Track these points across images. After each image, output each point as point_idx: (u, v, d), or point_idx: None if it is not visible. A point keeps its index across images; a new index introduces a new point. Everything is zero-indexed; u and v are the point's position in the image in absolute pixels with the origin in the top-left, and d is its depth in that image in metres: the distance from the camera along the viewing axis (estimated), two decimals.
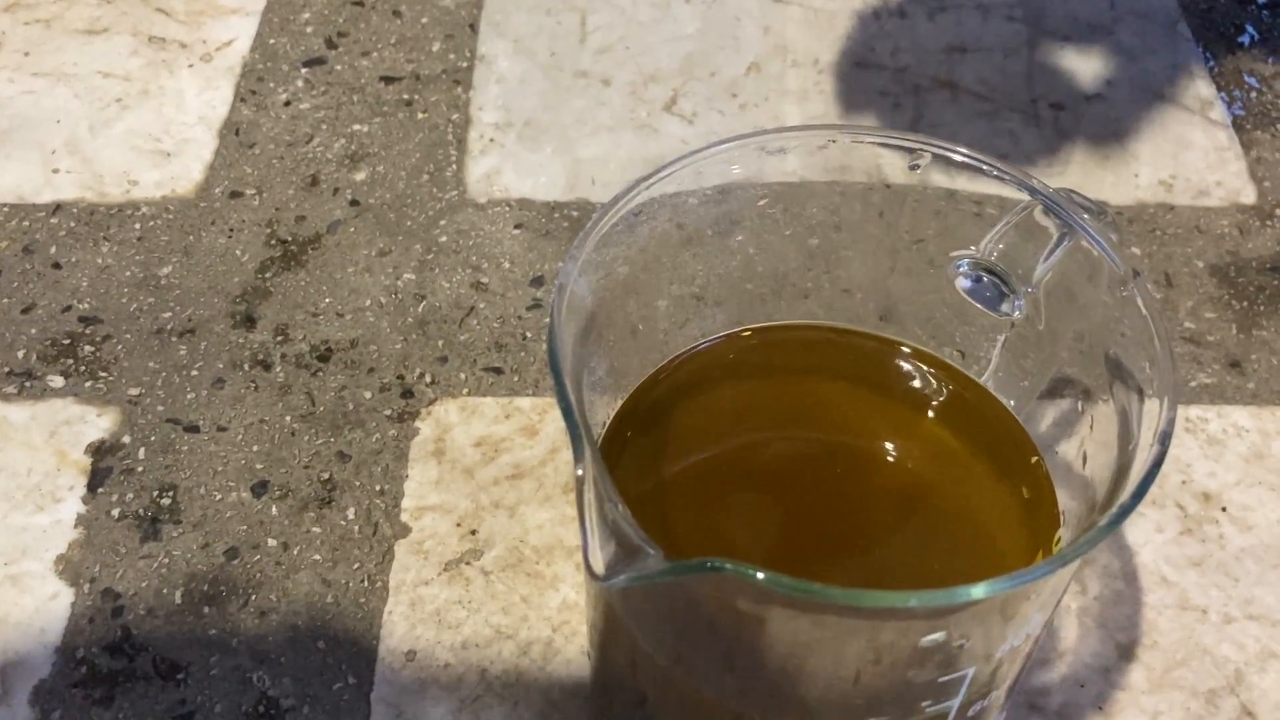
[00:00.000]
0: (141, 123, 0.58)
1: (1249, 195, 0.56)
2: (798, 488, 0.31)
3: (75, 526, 0.44)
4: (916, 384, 0.34)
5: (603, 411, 0.33)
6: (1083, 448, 0.31)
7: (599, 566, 0.25)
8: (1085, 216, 0.30)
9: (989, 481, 0.32)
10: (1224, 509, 0.45)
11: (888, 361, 0.34)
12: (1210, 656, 0.41)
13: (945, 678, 0.26)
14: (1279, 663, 0.41)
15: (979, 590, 0.22)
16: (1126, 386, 0.29)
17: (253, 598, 0.42)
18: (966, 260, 0.33)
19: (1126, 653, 0.41)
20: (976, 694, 0.28)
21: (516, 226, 0.54)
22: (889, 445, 0.32)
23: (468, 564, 0.43)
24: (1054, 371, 0.33)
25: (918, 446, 0.32)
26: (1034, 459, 0.32)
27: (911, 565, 0.29)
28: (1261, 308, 0.51)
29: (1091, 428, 0.31)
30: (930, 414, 0.33)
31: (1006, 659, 0.28)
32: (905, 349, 0.34)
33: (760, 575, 0.23)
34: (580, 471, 0.25)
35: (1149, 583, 0.43)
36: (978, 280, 0.33)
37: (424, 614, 0.42)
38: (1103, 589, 0.43)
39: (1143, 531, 0.44)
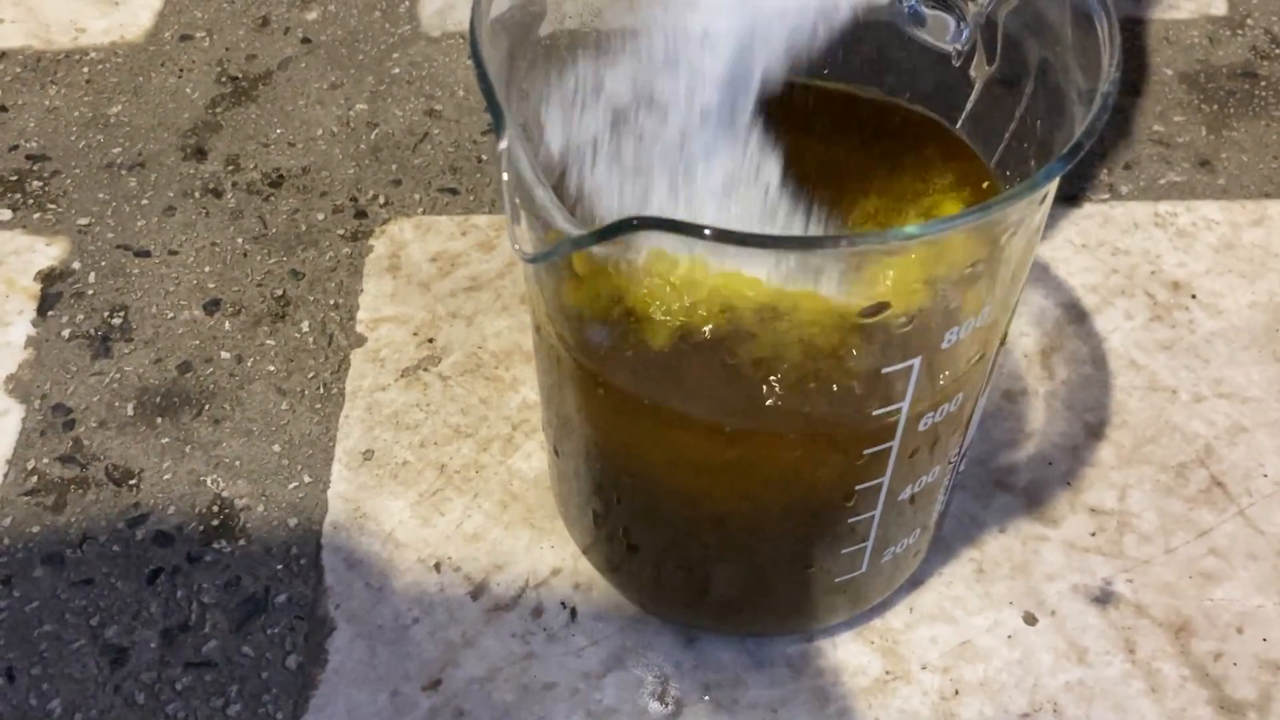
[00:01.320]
0: None
1: (1219, 7, 0.54)
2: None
3: (25, 348, 0.43)
4: (878, 116, 0.33)
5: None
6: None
7: (526, 245, 0.24)
8: None
9: (935, 186, 0.31)
10: (1194, 296, 0.44)
11: (854, 104, 0.33)
12: (1180, 433, 0.40)
13: (889, 368, 0.26)
14: (1249, 436, 0.40)
15: (914, 228, 0.22)
16: (1070, 82, 0.28)
17: (206, 408, 0.41)
18: None
19: (1095, 431, 0.40)
20: (925, 400, 0.27)
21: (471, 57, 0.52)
22: (839, 152, 0.31)
23: (425, 370, 0.42)
24: (1014, 112, 0.32)
25: (871, 160, 0.31)
26: (985, 184, 0.31)
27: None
28: (1232, 110, 0.50)
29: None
30: (892, 138, 0.32)
31: (953, 357, 0.27)
32: (859, 93, 0.33)
33: (687, 224, 0.22)
34: (502, 145, 0.24)
35: (1118, 366, 0.42)
36: (921, 13, 0.32)
37: (381, 417, 0.41)
38: (1070, 374, 0.42)
39: (1112, 319, 0.43)
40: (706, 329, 0.26)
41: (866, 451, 0.28)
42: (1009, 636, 0.36)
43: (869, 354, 0.26)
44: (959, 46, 0.32)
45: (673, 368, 0.27)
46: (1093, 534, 0.38)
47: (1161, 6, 0.54)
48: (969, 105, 0.33)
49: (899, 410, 0.27)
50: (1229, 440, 0.40)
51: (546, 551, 0.38)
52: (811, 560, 0.32)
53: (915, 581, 0.37)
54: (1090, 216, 0.46)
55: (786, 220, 0.27)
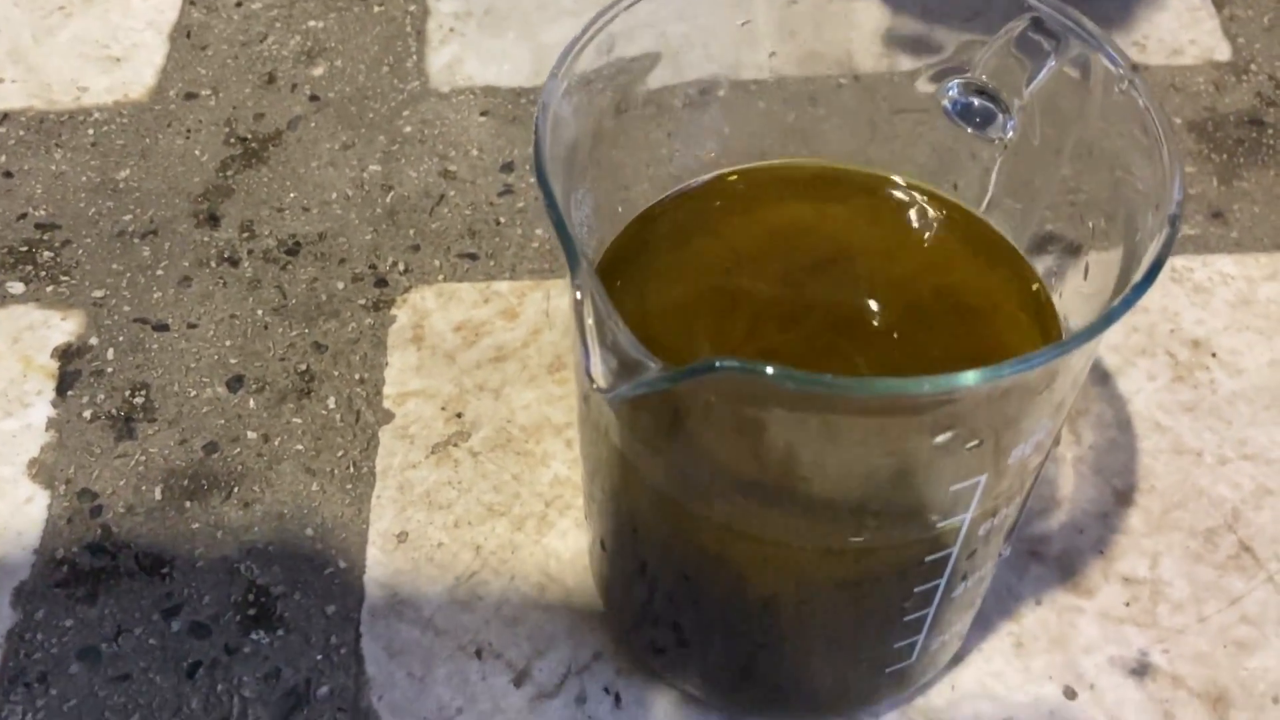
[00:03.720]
0: (87, 29, 0.56)
1: (1223, 52, 0.55)
2: (795, 309, 0.30)
3: (46, 430, 0.43)
4: (913, 214, 0.33)
5: (590, 252, 0.32)
6: (1085, 265, 0.30)
7: (601, 380, 0.24)
8: (1077, 25, 0.29)
9: (990, 304, 0.31)
10: (1214, 354, 0.45)
11: (881, 193, 0.33)
12: (1207, 497, 0.41)
13: (957, 486, 0.26)
14: (1274, 499, 0.41)
15: (991, 372, 0.22)
16: (1129, 192, 0.28)
17: (235, 490, 0.41)
18: (956, 83, 0.32)
19: (1124, 498, 0.41)
20: (987, 508, 0.28)
21: (483, 114, 0.52)
22: (886, 268, 0.32)
23: (455, 446, 0.42)
24: (1050, 196, 0.33)
25: (917, 268, 0.32)
26: (1035, 285, 0.32)
27: (918, 369, 0.28)
28: (1241, 159, 0.51)
29: (1092, 245, 0.30)
30: (927, 240, 0.32)
31: (1016, 469, 0.27)
32: (899, 181, 0.33)
33: (769, 370, 0.22)
34: (577, 285, 0.24)
35: (1143, 429, 0.43)
36: (968, 104, 0.32)
37: (413, 496, 0.41)
38: (1097, 438, 0.42)
39: (1135, 380, 0.44)
40: (774, 448, 0.26)
41: (927, 559, 0.28)
42: (1050, 713, 0.36)
43: (936, 474, 0.26)
44: (1004, 138, 0.32)
45: (738, 484, 0.27)
46: (1126, 604, 0.39)
47: (1165, 52, 0.55)
48: (991, 189, 0.34)
49: (962, 520, 0.27)
50: (1255, 504, 0.41)
51: (587, 635, 0.38)
52: (863, 656, 0.32)
53: (956, 659, 0.37)
54: None
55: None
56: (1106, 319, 0.23)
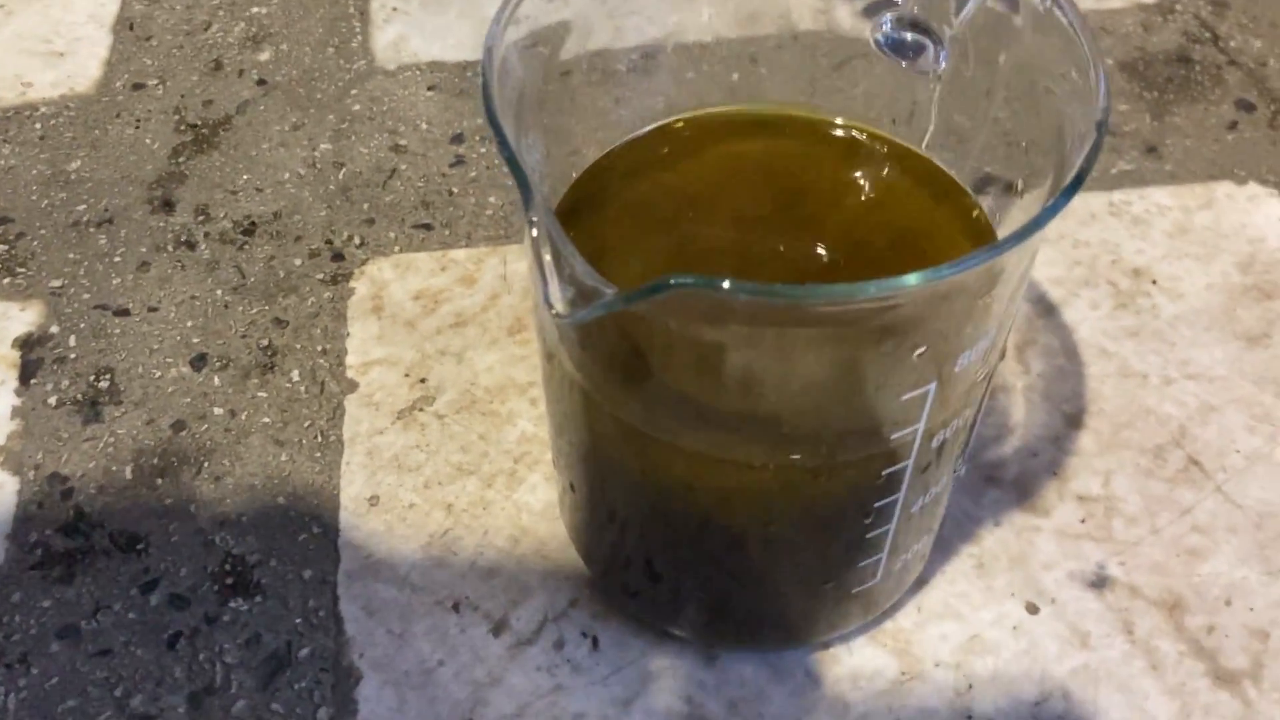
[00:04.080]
0: (28, 26, 0.56)
1: None
2: (745, 244, 0.31)
3: (12, 418, 0.43)
4: (857, 152, 0.34)
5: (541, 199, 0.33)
6: (1023, 200, 0.31)
7: (561, 306, 0.25)
8: None
9: (932, 231, 0.32)
10: (1154, 281, 0.46)
11: (824, 133, 0.34)
12: (1154, 416, 0.42)
13: (907, 395, 0.27)
14: (1219, 415, 0.42)
15: (931, 274, 0.23)
16: (1059, 107, 0.29)
17: (205, 465, 0.41)
18: (888, 18, 0.33)
19: (1074, 421, 0.42)
20: (938, 420, 0.29)
21: (430, 89, 0.53)
22: (833, 203, 0.32)
23: (420, 410, 0.43)
24: (986, 129, 0.34)
25: (862, 203, 0.33)
26: (975, 213, 0.33)
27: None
28: (1171, 96, 0.52)
29: (1029, 183, 0.31)
30: (871, 176, 0.33)
31: (963, 378, 0.28)
32: (841, 123, 0.34)
33: (724, 284, 0.23)
34: (532, 218, 0.25)
35: (1089, 356, 0.44)
36: (900, 39, 0.33)
37: (382, 461, 0.41)
38: (1045, 366, 0.44)
39: (1079, 310, 0.45)
40: (733, 369, 0.27)
41: (884, 472, 0.29)
42: (1014, 627, 0.38)
43: (887, 384, 0.27)
44: (937, 70, 0.33)
45: (700, 408, 0.28)
46: (1082, 520, 0.40)
47: None
48: (931, 125, 0.35)
49: (914, 431, 0.28)
50: (1200, 420, 0.42)
51: (562, 583, 0.38)
52: (830, 576, 0.33)
53: (920, 582, 0.38)
54: None
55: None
56: (1037, 222, 0.24)
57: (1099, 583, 0.39)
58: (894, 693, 0.36)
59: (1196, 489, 0.41)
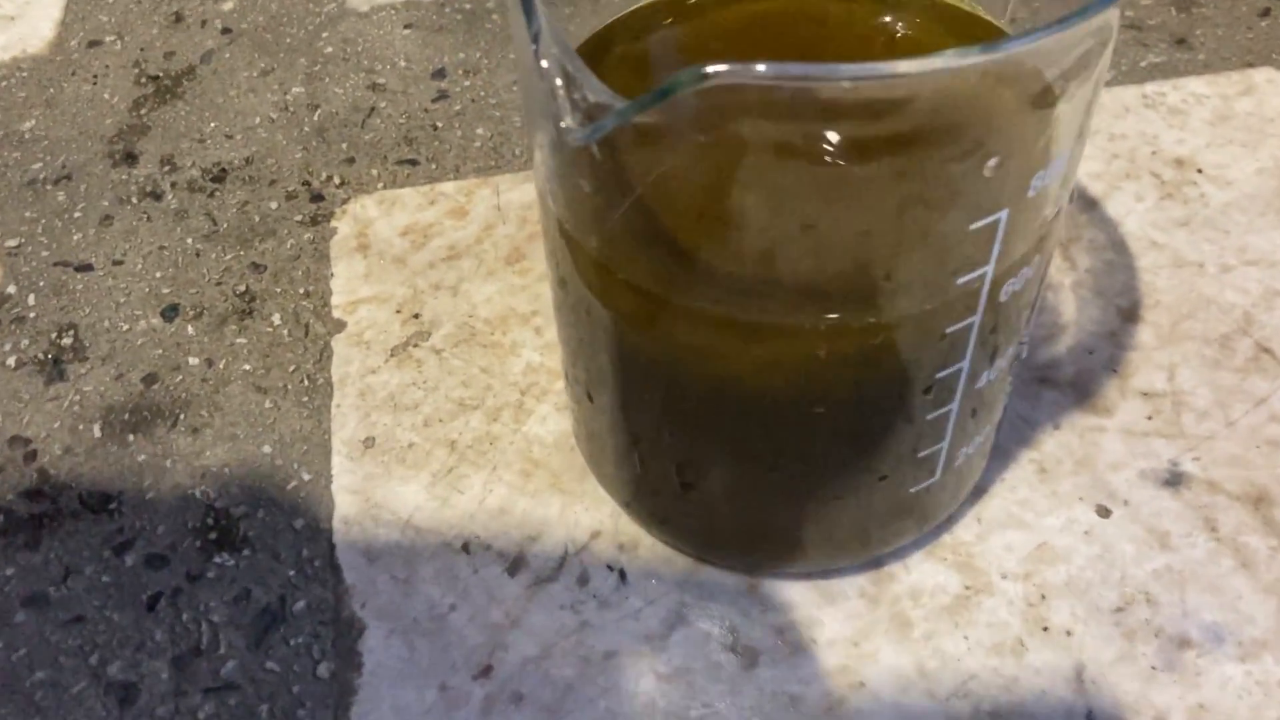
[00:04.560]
0: None
1: None
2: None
3: None
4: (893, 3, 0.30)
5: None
6: None
7: (574, 125, 0.21)
8: None
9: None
10: (1199, 170, 0.43)
11: None
12: (1215, 305, 0.39)
13: (977, 223, 0.23)
14: None
15: (990, 48, 0.19)
16: None
17: (181, 418, 0.38)
18: None
19: (1130, 315, 0.39)
20: (1009, 263, 0.25)
21: (406, 27, 0.49)
22: (867, 48, 0.29)
23: (415, 346, 0.39)
24: None
25: (900, 45, 0.29)
26: None
27: None
28: None
29: None
30: (910, 24, 0.30)
31: (1036, 208, 0.24)
32: None
33: (761, 67, 0.19)
34: (537, 45, 0.21)
35: (1139, 248, 0.40)
36: None
37: (376, 401, 0.38)
38: (1093, 261, 0.40)
39: (1123, 203, 0.42)
40: (767, 195, 0.23)
41: (948, 330, 0.26)
42: (1085, 532, 0.34)
43: (956, 206, 0.23)
44: None
45: (730, 258, 0.25)
46: (1149, 417, 0.36)
47: None
48: None
49: (983, 276, 0.25)
50: (1266, 306, 0.39)
51: (582, 515, 0.35)
52: (886, 469, 0.29)
53: (978, 491, 0.35)
54: None
55: None
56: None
57: (1173, 480, 0.35)
58: (960, 609, 0.32)
59: (1270, 377, 0.37)
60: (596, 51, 0.29)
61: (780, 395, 0.27)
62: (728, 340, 0.26)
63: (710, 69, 0.20)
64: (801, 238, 0.24)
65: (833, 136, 0.22)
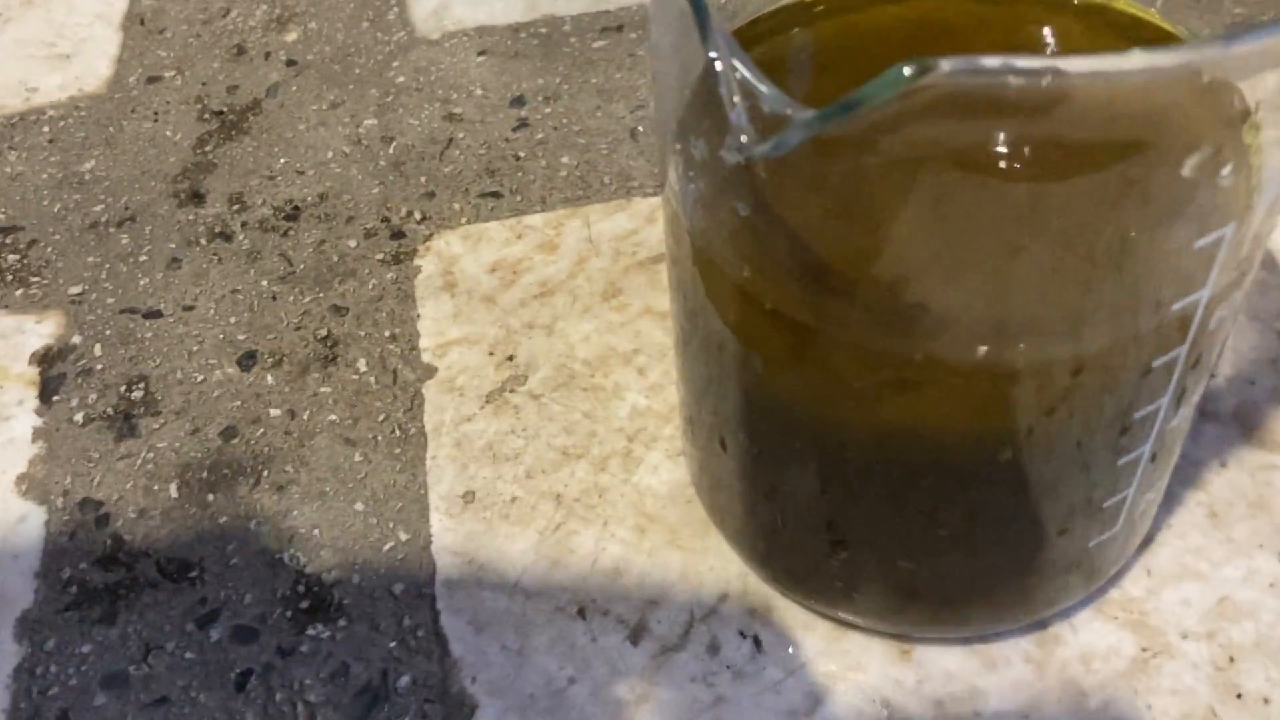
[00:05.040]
0: (30, 32, 0.51)
1: None
2: None
3: (33, 441, 0.36)
4: (1075, 15, 0.27)
5: None
6: None
7: (748, 140, 0.18)
8: None
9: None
10: None
11: None
12: None
13: (1203, 240, 0.20)
14: None
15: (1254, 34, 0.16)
16: None
17: (265, 474, 0.35)
18: None
19: None
20: (1226, 281, 0.22)
21: (481, 54, 0.47)
22: (1031, 40, 0.26)
23: (512, 391, 0.36)
24: None
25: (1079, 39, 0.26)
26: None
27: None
28: None
29: None
30: (1093, 34, 0.27)
31: (1257, 223, 0.21)
32: None
33: (989, 62, 0.16)
34: (711, 51, 0.18)
35: None
36: None
37: (474, 451, 0.35)
38: None
39: None
40: (965, 212, 0.20)
41: (1155, 363, 0.23)
42: (1271, 585, 0.30)
43: (1181, 221, 0.20)
44: None
45: (903, 281, 0.22)
46: None
47: None
48: None
49: (1198, 300, 0.22)
50: None
51: (706, 575, 0.32)
52: (1068, 522, 0.26)
53: (1145, 540, 0.31)
54: None
55: None
56: None
57: None
58: (1138, 674, 0.29)
59: None
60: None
61: (953, 442, 0.24)
62: (894, 380, 0.23)
63: (922, 69, 0.17)
64: (993, 260, 0.21)
65: (1042, 143, 0.19)
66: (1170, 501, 0.32)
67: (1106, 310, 0.21)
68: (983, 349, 0.22)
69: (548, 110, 0.44)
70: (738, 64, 0.19)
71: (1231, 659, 0.29)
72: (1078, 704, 0.29)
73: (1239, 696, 0.29)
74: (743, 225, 0.23)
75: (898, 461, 0.25)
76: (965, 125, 0.19)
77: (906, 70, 0.17)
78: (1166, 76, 0.17)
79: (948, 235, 0.21)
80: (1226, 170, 0.19)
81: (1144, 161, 0.19)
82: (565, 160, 0.42)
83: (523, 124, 0.44)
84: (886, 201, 0.21)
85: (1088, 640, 0.30)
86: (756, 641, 0.30)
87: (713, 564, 0.32)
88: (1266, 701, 0.28)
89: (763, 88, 0.19)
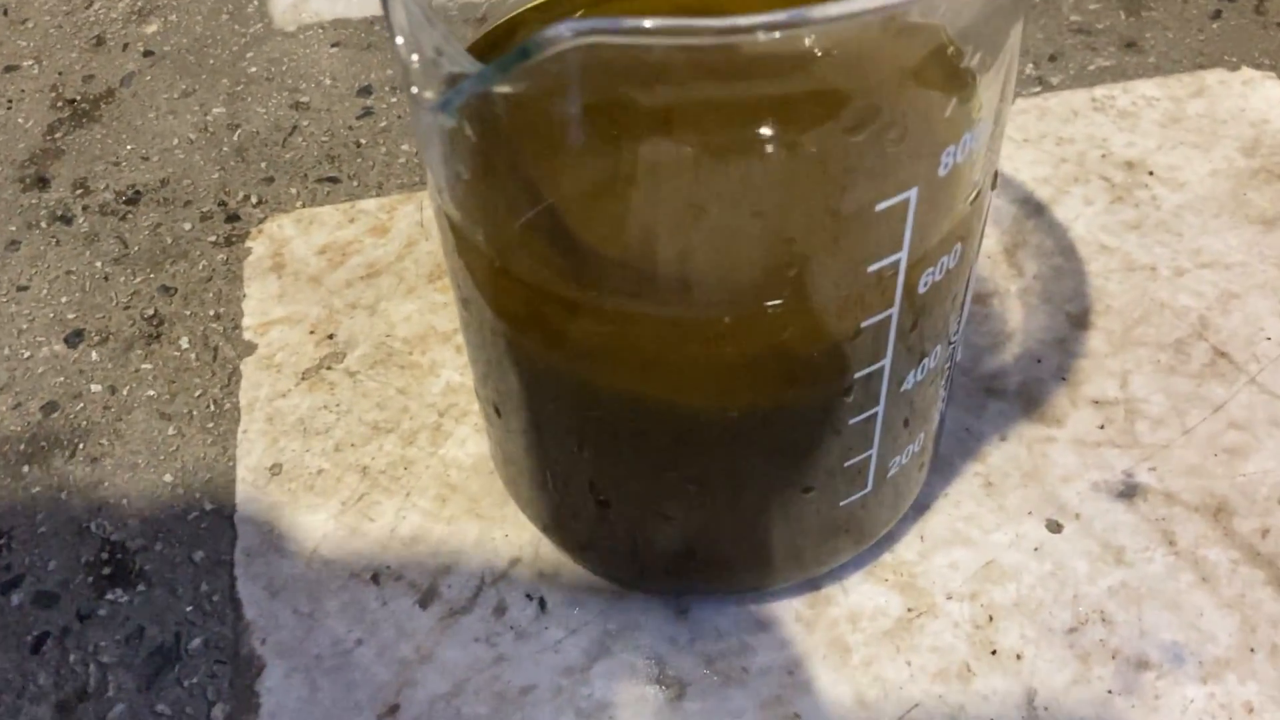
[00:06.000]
0: None
1: None
2: None
3: None
4: None
5: None
6: None
7: (428, 92, 0.19)
8: None
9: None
10: (1150, 173, 0.41)
11: None
12: (1169, 309, 0.37)
13: (884, 203, 0.21)
14: (1241, 301, 0.37)
15: None
16: None
17: (80, 447, 0.35)
18: None
19: (1080, 321, 0.37)
20: (924, 249, 0.23)
21: (334, 45, 0.48)
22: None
23: (329, 368, 0.37)
24: None
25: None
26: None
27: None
28: None
29: None
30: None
31: (951, 188, 0.23)
32: None
33: (625, 22, 0.17)
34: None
35: (1088, 253, 0.39)
36: None
37: (285, 426, 0.35)
38: (1041, 267, 0.38)
39: (1071, 207, 0.40)
40: (660, 173, 0.22)
41: (864, 324, 0.24)
42: (1035, 549, 0.32)
43: (858, 181, 0.21)
44: None
45: (620, 241, 0.23)
46: (1101, 427, 0.34)
47: None
48: None
49: (897, 262, 0.23)
50: (1222, 309, 0.37)
51: (500, 542, 0.33)
52: (812, 480, 0.27)
53: (920, 507, 0.33)
54: (1025, 111, 0.43)
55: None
56: None
57: (1128, 492, 0.33)
58: (902, 633, 0.30)
59: (1227, 383, 0.35)
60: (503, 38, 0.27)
61: (689, 399, 0.25)
62: (627, 338, 0.24)
63: (569, 26, 0.18)
64: (692, 220, 0.22)
65: (719, 104, 0.20)
66: (948, 472, 0.33)
67: (805, 270, 0.22)
68: (697, 306, 0.23)
69: (393, 99, 0.45)
70: (419, 20, 0.20)
71: (991, 618, 0.31)
72: (841, 660, 0.30)
73: (994, 653, 0.30)
74: (472, 192, 0.24)
75: (641, 420, 0.26)
76: (634, 85, 0.20)
77: (553, 31, 0.18)
78: (807, 38, 0.18)
79: (648, 196, 0.22)
80: (894, 134, 0.21)
81: (808, 124, 0.20)
82: (405, 148, 0.43)
83: (367, 112, 0.45)
84: (588, 162, 0.22)
85: (857, 601, 0.31)
86: (542, 604, 0.31)
87: (508, 532, 0.33)
88: (1019, 657, 0.30)
89: (442, 43, 0.20)
